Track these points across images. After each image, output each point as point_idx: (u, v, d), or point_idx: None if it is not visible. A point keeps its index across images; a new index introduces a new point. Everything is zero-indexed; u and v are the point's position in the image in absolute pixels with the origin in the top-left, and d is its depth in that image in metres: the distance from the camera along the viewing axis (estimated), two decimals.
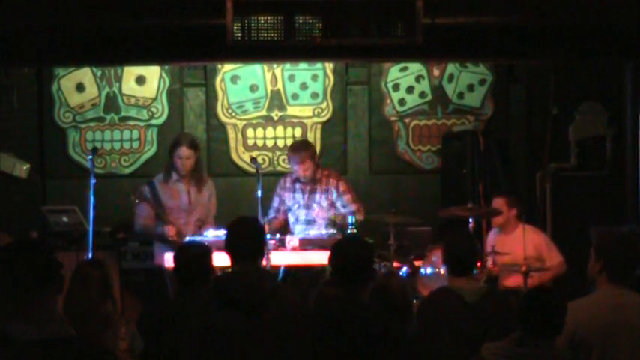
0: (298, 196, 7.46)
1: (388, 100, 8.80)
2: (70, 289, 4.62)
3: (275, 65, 8.63)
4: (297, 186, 7.46)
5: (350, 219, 7.03)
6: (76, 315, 4.48)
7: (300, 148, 7.44)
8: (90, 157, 6.80)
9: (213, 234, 6.88)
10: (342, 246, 4.51)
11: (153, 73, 8.67)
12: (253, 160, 7.47)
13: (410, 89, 8.81)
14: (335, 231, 7.11)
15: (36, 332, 2.85)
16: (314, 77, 8.75)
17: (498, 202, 7.28)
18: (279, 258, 6.76)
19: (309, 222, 7.41)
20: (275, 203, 7.57)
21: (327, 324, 3.99)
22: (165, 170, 7.33)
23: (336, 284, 4.30)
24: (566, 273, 7.09)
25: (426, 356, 4.46)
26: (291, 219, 7.53)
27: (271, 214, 7.54)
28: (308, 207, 7.43)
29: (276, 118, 8.77)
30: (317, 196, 7.40)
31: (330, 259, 4.40)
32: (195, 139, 7.49)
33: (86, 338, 3.18)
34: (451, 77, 8.79)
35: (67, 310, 4.49)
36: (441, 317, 4.67)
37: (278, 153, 8.74)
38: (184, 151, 7.16)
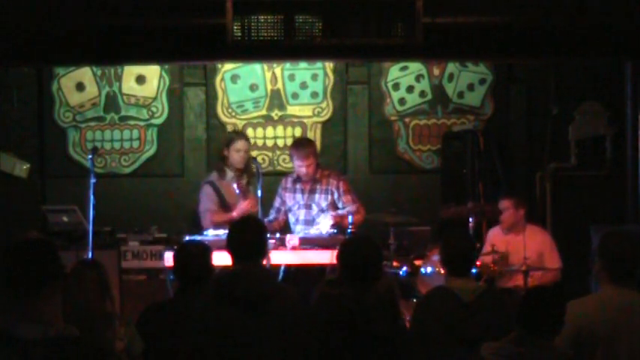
0: (299, 196, 7.47)
1: (388, 100, 8.80)
2: (67, 291, 4.60)
3: (275, 65, 8.63)
4: (298, 186, 7.47)
5: (350, 219, 7.04)
6: (74, 316, 4.47)
7: (304, 144, 7.47)
8: (90, 156, 6.81)
9: (214, 233, 6.89)
10: (351, 245, 4.44)
11: (153, 72, 8.67)
12: (253, 159, 7.49)
13: (410, 89, 8.81)
14: (335, 231, 7.12)
15: (40, 332, 2.85)
16: (314, 77, 8.75)
17: (506, 203, 7.26)
18: (279, 257, 6.77)
19: (309, 222, 7.41)
20: (276, 203, 7.59)
21: (332, 323, 4.00)
22: (219, 168, 7.47)
23: (338, 284, 4.27)
24: (566, 272, 7.09)
25: (422, 356, 4.46)
26: (291, 219, 7.53)
27: (272, 214, 7.56)
28: (308, 207, 7.43)
29: (276, 118, 8.77)
30: (317, 196, 7.40)
31: (339, 257, 4.35)
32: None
33: (89, 338, 3.18)
34: (451, 77, 8.79)
35: (65, 311, 4.47)
36: (437, 317, 4.67)
37: (278, 152, 8.74)
38: (245, 145, 7.44)
